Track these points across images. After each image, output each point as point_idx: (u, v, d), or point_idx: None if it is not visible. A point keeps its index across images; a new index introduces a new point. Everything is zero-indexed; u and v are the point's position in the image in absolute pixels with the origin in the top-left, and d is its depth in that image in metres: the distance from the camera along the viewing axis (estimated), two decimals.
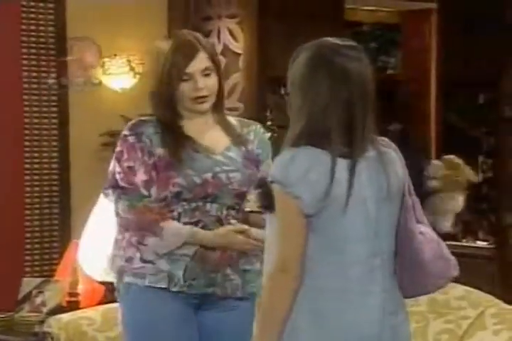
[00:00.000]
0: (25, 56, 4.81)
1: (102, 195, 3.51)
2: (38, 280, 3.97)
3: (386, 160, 2.05)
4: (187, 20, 5.08)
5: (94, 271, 3.54)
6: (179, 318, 2.41)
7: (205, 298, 2.44)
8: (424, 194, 4.44)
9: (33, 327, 3.64)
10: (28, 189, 4.82)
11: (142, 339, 2.43)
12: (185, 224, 2.42)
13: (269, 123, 5.23)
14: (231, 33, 5.01)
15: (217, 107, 2.52)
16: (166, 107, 2.48)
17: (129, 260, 2.44)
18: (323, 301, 1.99)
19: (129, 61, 4.91)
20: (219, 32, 5.04)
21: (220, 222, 2.45)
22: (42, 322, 3.49)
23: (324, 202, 1.96)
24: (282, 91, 5.95)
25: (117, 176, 2.46)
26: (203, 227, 2.43)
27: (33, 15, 4.84)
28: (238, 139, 2.52)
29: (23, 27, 4.81)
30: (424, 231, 2.08)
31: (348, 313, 2.00)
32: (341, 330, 1.99)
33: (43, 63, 4.85)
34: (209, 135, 2.50)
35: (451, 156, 4.95)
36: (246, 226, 2.45)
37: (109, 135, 4.76)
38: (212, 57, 2.50)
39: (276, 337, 1.98)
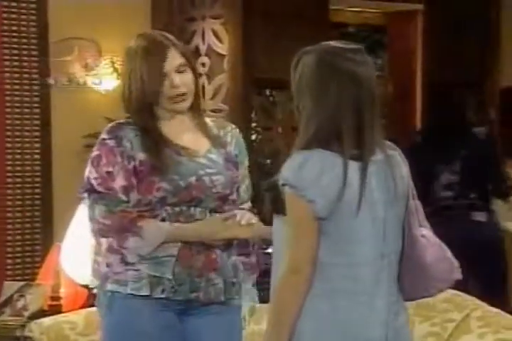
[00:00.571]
0: (6, 57, 4.80)
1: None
2: (20, 283, 3.96)
3: (393, 163, 2.09)
4: (170, 20, 5.08)
5: (77, 274, 3.55)
6: (163, 326, 2.39)
7: (189, 303, 2.42)
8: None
9: (14, 331, 3.63)
10: (9, 191, 4.80)
11: None
12: None
13: (254, 124, 5.24)
14: (215, 34, 5.01)
15: (194, 107, 2.49)
16: (142, 109, 2.43)
17: (110, 265, 2.41)
18: (332, 303, 2.02)
19: (112, 62, 4.90)
20: (203, 33, 5.04)
21: None
22: (23, 326, 3.48)
23: (336, 205, 1.98)
24: (267, 93, 5.93)
25: (93, 181, 2.41)
26: None
27: (14, 16, 4.83)
28: (217, 141, 2.50)
29: (5, 28, 4.79)
30: (426, 235, 2.12)
31: (358, 314, 2.03)
32: (351, 331, 2.02)
33: (25, 64, 4.83)
34: (188, 137, 2.47)
35: None
36: (232, 212, 2.42)
37: (93, 137, 4.74)
38: (185, 54, 2.47)
39: (287, 339, 2.00)
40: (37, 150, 4.85)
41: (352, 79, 2.03)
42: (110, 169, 2.40)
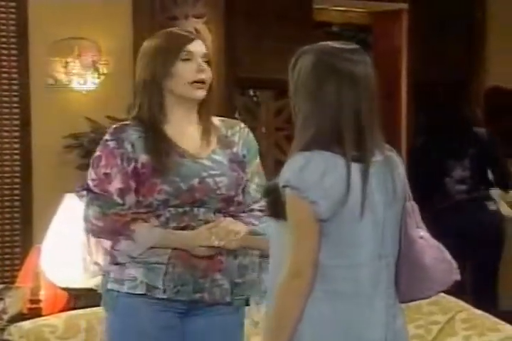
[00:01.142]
0: None
1: (65, 199, 3.51)
2: None
3: (392, 164, 2.10)
4: (153, 20, 5.07)
5: (57, 277, 3.54)
6: (162, 326, 2.39)
7: (194, 304, 2.42)
8: None
9: None
10: None
11: None
12: (174, 228, 2.40)
13: None
14: (198, 33, 5.01)
15: (205, 106, 2.48)
16: (153, 98, 2.41)
17: (100, 264, 2.42)
18: (333, 305, 2.02)
19: (93, 62, 4.89)
20: None
21: None
22: (2, 330, 3.46)
23: (340, 206, 1.99)
24: (251, 93, 5.94)
25: (91, 182, 2.42)
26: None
27: None
28: (224, 141, 2.49)
29: None
30: (424, 236, 2.12)
31: (359, 316, 2.03)
32: (352, 334, 2.03)
33: (4, 63, 4.81)
34: (193, 137, 2.46)
35: None
36: (219, 221, 2.41)
37: (73, 137, 4.74)
38: (208, 48, 2.49)
39: None
40: (16, 151, 4.83)
41: (350, 79, 2.03)
42: (108, 171, 2.40)
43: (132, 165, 2.40)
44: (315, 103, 2.03)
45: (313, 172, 1.98)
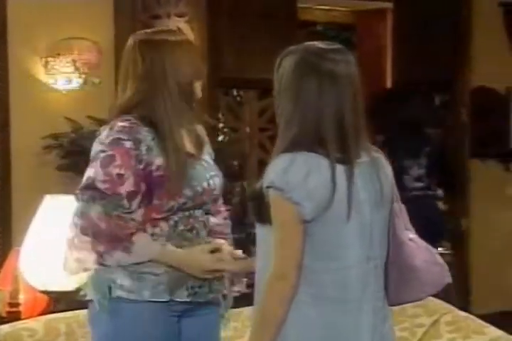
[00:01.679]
0: None
1: (44, 201, 3.49)
2: None
3: (379, 166, 2.10)
4: (134, 18, 5.06)
5: (37, 280, 3.52)
6: (170, 332, 2.39)
7: (189, 305, 2.41)
8: None
9: None
10: None
11: None
12: (182, 231, 2.39)
13: (221, 125, 5.24)
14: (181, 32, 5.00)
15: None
16: (169, 108, 2.39)
17: (81, 261, 2.36)
18: (319, 309, 2.02)
19: (73, 61, 4.87)
20: None
21: (205, 226, 2.45)
22: None
23: (324, 208, 1.98)
24: (234, 93, 5.92)
25: (101, 183, 2.32)
26: (196, 234, 2.42)
27: None
28: (200, 140, 2.49)
29: None
30: (413, 238, 2.13)
31: (345, 320, 2.03)
32: (338, 338, 2.02)
33: None
34: (186, 138, 2.45)
35: None
36: (218, 243, 2.43)
37: (53, 137, 4.72)
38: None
39: None
40: None
41: (331, 79, 2.03)
42: (122, 172, 2.32)
43: (148, 168, 2.34)
44: (297, 103, 2.04)
45: (297, 173, 1.98)
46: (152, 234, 2.38)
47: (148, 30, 2.50)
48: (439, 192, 5.29)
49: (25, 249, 3.54)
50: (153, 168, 2.35)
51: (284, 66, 2.07)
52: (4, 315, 3.70)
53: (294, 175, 1.98)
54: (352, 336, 2.04)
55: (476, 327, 2.93)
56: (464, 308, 3.23)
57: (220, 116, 5.22)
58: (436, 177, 5.23)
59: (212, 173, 2.46)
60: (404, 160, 5.05)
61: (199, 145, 2.47)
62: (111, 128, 2.37)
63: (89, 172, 2.35)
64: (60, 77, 4.88)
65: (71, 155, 4.49)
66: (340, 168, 2.02)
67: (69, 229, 2.37)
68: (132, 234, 2.33)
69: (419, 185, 5.11)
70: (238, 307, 2.64)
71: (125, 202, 2.33)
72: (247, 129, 5.27)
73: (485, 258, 5.85)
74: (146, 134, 2.37)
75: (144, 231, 2.37)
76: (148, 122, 2.38)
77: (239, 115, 5.26)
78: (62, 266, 2.41)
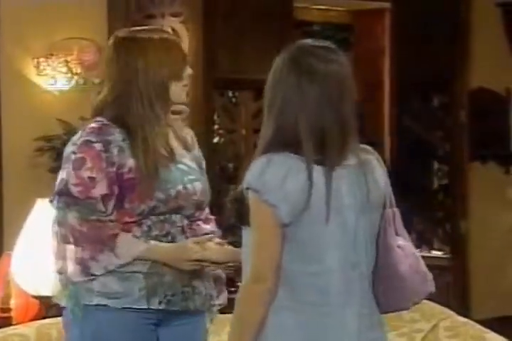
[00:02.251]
0: None
1: (36, 204, 3.48)
2: None
3: (367, 169, 2.07)
4: (128, 18, 5.06)
5: (29, 285, 3.52)
6: (145, 339, 2.37)
7: (168, 314, 2.39)
8: None
9: None
10: None
11: None
12: (156, 236, 2.37)
13: (216, 127, 5.24)
14: (175, 33, 5.00)
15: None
16: (141, 109, 2.36)
17: (65, 272, 2.36)
18: (298, 316, 2.00)
19: (66, 61, 4.86)
20: None
21: (184, 232, 2.42)
22: None
23: (302, 210, 1.98)
24: (230, 94, 5.90)
25: (73, 187, 2.32)
26: (172, 239, 2.39)
27: None
28: (185, 143, 2.48)
29: None
30: (402, 245, 2.10)
31: (325, 329, 2.01)
32: None
33: None
34: (167, 141, 2.43)
35: None
36: (205, 237, 2.41)
37: (45, 140, 4.72)
38: (185, 50, 2.51)
39: None
40: None
41: (313, 76, 2.01)
42: (94, 175, 2.32)
43: (117, 170, 2.34)
44: (274, 100, 2.02)
45: (274, 175, 1.97)
46: None
47: (132, 28, 2.48)
48: None
49: (17, 253, 3.53)
50: (125, 170, 2.34)
51: (274, 65, 2.06)
52: None
53: (270, 176, 1.97)
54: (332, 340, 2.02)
55: (476, 332, 2.93)
56: (463, 313, 3.23)
57: (215, 117, 5.22)
58: None
59: (192, 177, 2.42)
60: None
61: (182, 148, 2.46)
62: (83, 130, 2.38)
63: (62, 175, 2.36)
64: (52, 78, 4.87)
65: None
66: (319, 170, 2.00)
67: (51, 239, 2.37)
68: (115, 235, 2.33)
69: None
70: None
71: (100, 205, 2.33)
72: (243, 131, 5.26)
73: (485, 262, 5.86)
74: (116, 135, 2.35)
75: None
76: (120, 123, 2.37)
77: (234, 116, 5.26)
78: (54, 279, 2.41)
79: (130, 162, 2.35)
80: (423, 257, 2.15)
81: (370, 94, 5.94)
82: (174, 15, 5.01)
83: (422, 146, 5.99)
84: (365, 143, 2.13)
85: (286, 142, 2.00)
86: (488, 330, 2.95)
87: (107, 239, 2.32)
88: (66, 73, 4.88)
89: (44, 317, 3.38)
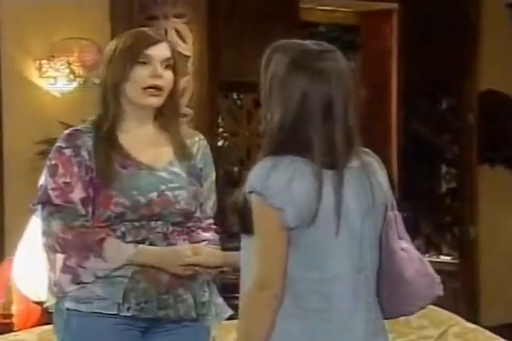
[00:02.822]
0: None
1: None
2: None
3: (370, 171, 2.07)
4: (131, 19, 5.07)
5: (30, 290, 3.52)
6: None
7: (156, 321, 2.39)
8: None
9: None
10: None
11: None
12: (131, 242, 2.37)
13: (220, 130, 5.24)
14: (179, 34, 5.01)
15: (164, 114, 2.44)
16: (110, 103, 2.39)
17: (58, 285, 2.38)
18: (304, 323, 1.99)
19: (68, 63, 4.87)
20: (166, 32, 5.03)
21: (166, 238, 2.41)
22: None
23: (309, 214, 1.96)
24: (234, 96, 5.89)
25: (51, 193, 2.37)
26: (150, 245, 2.39)
27: None
28: (182, 152, 2.46)
29: None
30: (406, 248, 2.09)
31: (332, 333, 2.00)
32: None
33: None
34: (149, 148, 2.43)
35: None
36: (198, 245, 2.40)
37: (47, 143, 4.71)
38: (173, 52, 2.45)
39: None
40: None
41: (321, 79, 2.01)
42: (68, 180, 2.36)
43: (90, 174, 2.37)
44: (284, 104, 2.01)
45: (280, 178, 1.96)
46: None
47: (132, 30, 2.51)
48: None
49: (19, 258, 3.53)
50: (94, 174, 2.37)
51: (274, 67, 2.04)
52: None
53: (276, 179, 1.96)
54: None
55: (485, 339, 2.93)
56: (472, 319, 3.23)
57: (219, 120, 5.22)
58: None
59: (174, 185, 2.40)
60: None
61: (174, 155, 2.43)
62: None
63: (41, 180, 2.41)
64: (53, 79, 4.88)
65: None
66: (327, 174, 1.99)
67: (42, 251, 2.41)
68: (101, 239, 2.34)
69: None
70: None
71: (80, 208, 2.35)
72: (248, 134, 5.27)
73: (494, 267, 5.85)
74: (86, 139, 2.39)
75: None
76: (93, 127, 2.42)
77: (239, 119, 5.26)
78: (48, 290, 2.44)
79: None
80: (431, 262, 2.14)
81: (377, 96, 5.94)
82: (177, 16, 5.01)
83: (430, 149, 5.99)
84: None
85: (294, 145, 2.00)
86: (497, 337, 2.95)
87: (94, 245, 2.34)
88: (68, 75, 4.89)
89: (46, 323, 3.38)
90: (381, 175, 2.11)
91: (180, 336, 2.43)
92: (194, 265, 2.36)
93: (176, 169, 2.43)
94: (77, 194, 2.36)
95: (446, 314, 3.04)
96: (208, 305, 2.45)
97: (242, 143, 5.25)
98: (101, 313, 2.35)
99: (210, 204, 2.51)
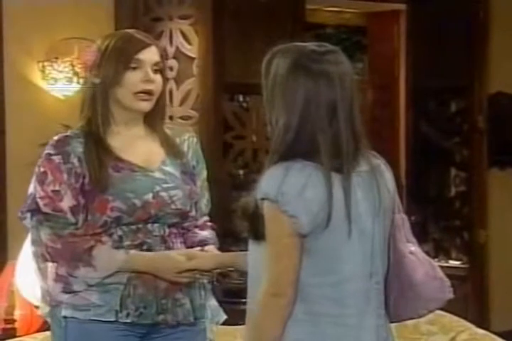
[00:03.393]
0: None
1: None
2: None
3: (378, 175, 2.08)
4: (135, 21, 5.08)
5: (33, 295, 3.52)
6: None
7: (153, 327, 2.40)
8: None
9: None
10: None
11: None
12: (128, 246, 2.37)
13: (226, 132, 5.24)
14: (184, 36, 5.02)
15: (152, 116, 2.45)
16: (99, 107, 2.39)
17: (50, 294, 2.38)
18: (316, 329, 1.99)
19: (72, 65, 4.88)
20: (171, 34, 5.05)
21: (164, 241, 2.42)
22: None
23: (321, 220, 1.97)
24: (240, 99, 5.90)
25: (40, 201, 2.36)
26: (148, 249, 2.39)
27: None
28: (173, 151, 2.46)
29: None
30: (414, 251, 2.10)
31: (343, 339, 2.01)
32: None
33: None
34: (141, 149, 2.43)
35: None
36: (192, 250, 2.40)
37: None
38: (162, 57, 2.46)
39: None
40: None
41: (327, 82, 2.01)
42: (57, 188, 2.35)
43: (81, 180, 2.36)
44: (290, 108, 2.01)
45: (294, 184, 1.96)
46: None
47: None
48: None
49: (21, 262, 3.54)
50: (86, 180, 2.37)
51: (276, 70, 2.04)
52: None
53: (289, 186, 1.96)
54: None
55: None
56: (482, 325, 3.23)
57: (225, 122, 5.22)
58: None
59: (169, 185, 2.41)
60: None
61: (166, 154, 2.44)
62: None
63: (31, 188, 2.41)
64: (57, 82, 4.89)
65: None
66: (337, 178, 1.99)
67: (32, 261, 2.41)
68: (90, 248, 2.34)
69: None
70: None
71: (70, 217, 2.35)
72: (254, 137, 5.27)
73: (504, 272, 5.83)
74: (76, 145, 2.38)
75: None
76: (82, 132, 2.41)
77: (245, 122, 5.26)
78: (42, 299, 2.43)
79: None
80: (440, 267, 2.15)
81: (385, 98, 5.94)
82: (183, 17, 5.02)
83: (439, 152, 5.98)
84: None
85: (304, 149, 2.00)
86: None
87: (83, 253, 2.34)
88: (72, 77, 4.89)
89: (49, 329, 3.39)
90: (388, 178, 2.12)
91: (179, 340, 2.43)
92: (191, 270, 2.35)
93: (170, 168, 2.44)
94: (67, 202, 2.35)
95: (455, 319, 3.04)
96: (204, 307, 2.46)
97: (248, 146, 5.25)
98: (98, 320, 2.35)
99: (204, 202, 2.52)
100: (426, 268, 2.09)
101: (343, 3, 5.83)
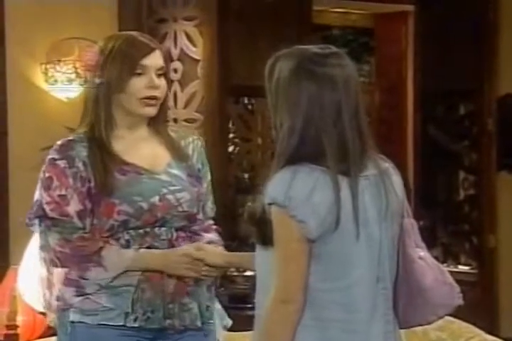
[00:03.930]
0: None
1: None
2: None
3: (386, 179, 2.08)
4: (139, 22, 5.08)
5: (36, 300, 3.52)
6: None
7: (160, 331, 2.40)
8: None
9: None
10: None
11: None
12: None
13: (231, 135, 5.24)
14: (188, 37, 5.02)
15: (156, 120, 2.46)
16: (103, 112, 2.40)
17: (62, 299, 2.38)
18: (324, 334, 2.00)
19: (75, 67, 4.89)
20: (175, 36, 5.05)
21: (171, 245, 2.42)
22: None
23: (330, 224, 1.97)
24: (246, 101, 5.90)
25: (46, 206, 2.37)
26: None
27: None
28: (178, 154, 2.47)
29: None
30: (423, 256, 2.11)
31: None
32: None
33: None
34: (146, 152, 2.45)
35: None
36: (201, 243, 2.42)
37: None
38: (166, 60, 2.47)
39: None
40: None
41: (331, 85, 2.02)
42: (63, 192, 2.37)
43: (87, 184, 2.37)
44: (296, 112, 2.02)
45: (302, 189, 1.97)
46: None
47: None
48: None
49: (24, 267, 3.54)
50: (92, 184, 2.37)
51: (279, 73, 2.05)
52: (1, 338, 3.70)
53: (298, 190, 1.96)
54: None
55: None
56: (492, 331, 3.22)
57: (230, 125, 5.22)
58: None
59: (175, 188, 2.42)
60: None
61: (171, 157, 2.45)
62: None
63: (36, 195, 2.41)
64: (60, 84, 4.89)
65: None
66: (344, 182, 2.00)
67: (40, 266, 2.42)
68: (100, 248, 2.35)
69: None
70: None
71: (77, 221, 2.36)
72: (259, 140, 5.27)
73: None
74: (80, 149, 2.39)
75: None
76: (85, 137, 2.42)
77: (250, 125, 5.26)
78: (45, 307, 2.44)
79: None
80: (449, 272, 2.15)
81: (393, 101, 5.93)
82: (187, 19, 5.02)
83: (448, 156, 5.98)
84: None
85: (310, 153, 2.00)
86: None
87: (92, 255, 2.35)
88: (74, 79, 4.90)
89: (52, 335, 3.39)
90: (397, 182, 2.12)
91: None
92: (197, 259, 2.36)
93: (176, 171, 2.45)
94: (74, 207, 2.36)
95: (464, 326, 3.04)
96: (211, 311, 2.47)
97: (254, 149, 5.25)
98: (106, 325, 2.36)
99: (209, 205, 2.53)
100: (435, 274, 2.09)
101: (350, 4, 5.83)
